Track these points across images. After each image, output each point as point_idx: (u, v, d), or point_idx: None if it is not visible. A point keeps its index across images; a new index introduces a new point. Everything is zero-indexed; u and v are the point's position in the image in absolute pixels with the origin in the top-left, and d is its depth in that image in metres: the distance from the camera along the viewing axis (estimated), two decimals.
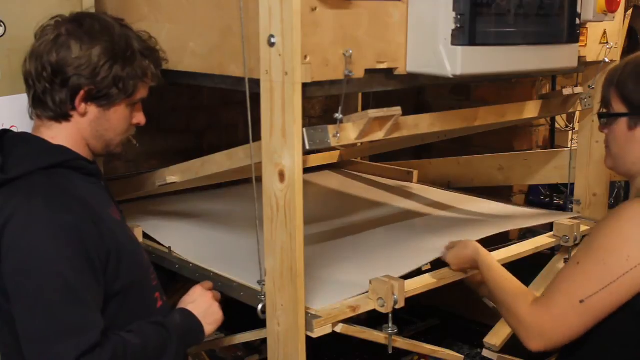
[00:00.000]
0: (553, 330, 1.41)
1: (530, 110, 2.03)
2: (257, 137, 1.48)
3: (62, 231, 1.32)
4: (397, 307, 1.57)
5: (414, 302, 1.64)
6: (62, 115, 1.44)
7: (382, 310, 1.58)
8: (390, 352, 1.64)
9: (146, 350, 1.40)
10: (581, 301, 1.37)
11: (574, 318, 1.39)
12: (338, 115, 1.46)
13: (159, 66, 1.56)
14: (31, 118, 1.49)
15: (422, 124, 1.67)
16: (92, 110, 1.45)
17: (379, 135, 1.55)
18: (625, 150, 1.53)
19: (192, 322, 1.53)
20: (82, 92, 1.42)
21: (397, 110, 1.53)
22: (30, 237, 1.31)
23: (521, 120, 2.27)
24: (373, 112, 1.48)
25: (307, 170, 2.79)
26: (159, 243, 1.99)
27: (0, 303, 1.36)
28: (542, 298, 1.45)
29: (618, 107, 1.52)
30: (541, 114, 2.08)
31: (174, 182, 1.97)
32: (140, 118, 1.55)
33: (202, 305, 1.57)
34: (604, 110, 1.57)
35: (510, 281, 1.57)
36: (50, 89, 1.42)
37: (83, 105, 1.44)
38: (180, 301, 1.59)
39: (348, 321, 1.57)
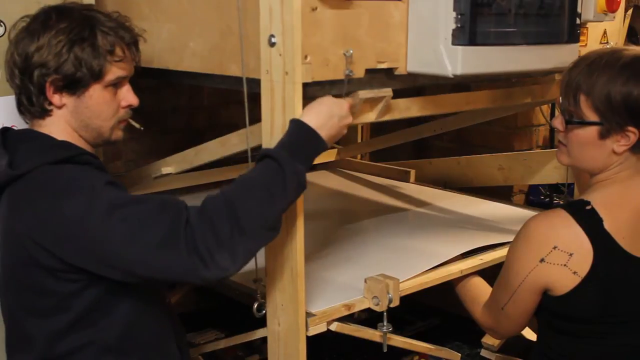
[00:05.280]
0: (498, 328, 1.66)
1: (523, 95, 2.00)
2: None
3: (92, 192, 1.31)
4: (392, 305, 1.57)
5: (415, 302, 1.64)
6: (43, 112, 1.42)
7: (377, 309, 1.58)
8: (385, 350, 1.64)
9: (252, 185, 1.33)
10: (502, 308, 1.57)
11: (504, 319, 1.60)
12: None
13: (130, 42, 1.46)
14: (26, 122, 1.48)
15: (414, 108, 1.65)
16: (67, 100, 1.41)
17: (370, 116, 1.54)
18: (589, 154, 1.48)
19: (299, 132, 1.37)
20: (47, 84, 1.39)
21: (387, 91, 1.52)
22: (67, 202, 1.29)
23: (518, 107, 2.25)
24: (364, 93, 1.48)
25: None
26: None
27: (33, 275, 1.35)
28: (486, 302, 1.67)
29: (589, 114, 1.44)
30: (535, 99, 2.06)
31: (170, 174, 1.92)
32: (130, 99, 1.47)
33: (314, 107, 1.39)
34: (570, 109, 1.47)
35: (468, 289, 1.80)
36: (23, 89, 1.41)
37: (57, 97, 1.40)
38: None
39: (344, 320, 1.57)
